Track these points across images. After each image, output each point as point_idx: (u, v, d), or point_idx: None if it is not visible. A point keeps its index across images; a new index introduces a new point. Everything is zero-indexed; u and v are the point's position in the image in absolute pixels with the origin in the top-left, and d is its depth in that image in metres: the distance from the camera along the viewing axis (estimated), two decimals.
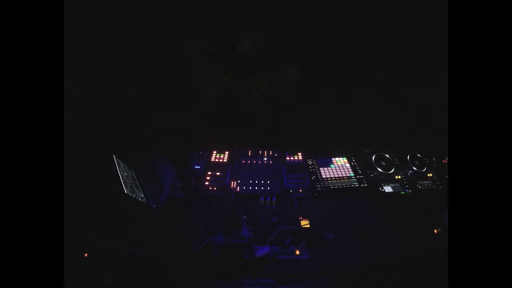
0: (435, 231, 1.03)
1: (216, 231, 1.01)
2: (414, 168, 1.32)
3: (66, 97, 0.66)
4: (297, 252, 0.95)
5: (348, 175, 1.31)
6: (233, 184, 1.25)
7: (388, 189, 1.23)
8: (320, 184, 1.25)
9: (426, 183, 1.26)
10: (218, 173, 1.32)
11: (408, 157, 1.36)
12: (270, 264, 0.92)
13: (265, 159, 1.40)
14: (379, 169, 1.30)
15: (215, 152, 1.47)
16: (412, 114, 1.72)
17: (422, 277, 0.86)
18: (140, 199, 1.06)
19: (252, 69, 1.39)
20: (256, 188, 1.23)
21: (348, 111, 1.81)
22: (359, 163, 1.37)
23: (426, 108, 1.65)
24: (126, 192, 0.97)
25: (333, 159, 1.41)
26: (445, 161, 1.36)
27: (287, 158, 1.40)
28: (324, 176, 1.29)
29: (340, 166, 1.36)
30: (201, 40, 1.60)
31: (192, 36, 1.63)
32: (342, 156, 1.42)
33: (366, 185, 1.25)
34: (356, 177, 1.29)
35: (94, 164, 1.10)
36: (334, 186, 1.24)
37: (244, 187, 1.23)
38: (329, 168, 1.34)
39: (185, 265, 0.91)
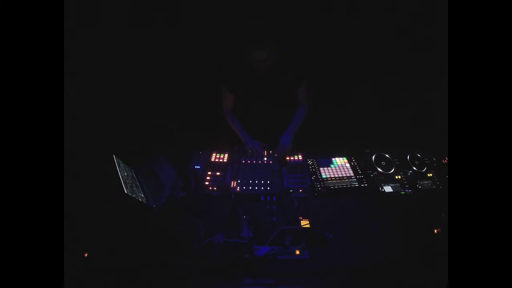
0: (435, 231, 1.03)
1: (216, 231, 1.01)
2: (414, 168, 1.32)
3: (66, 96, 0.66)
4: (297, 252, 0.95)
5: (348, 175, 1.31)
6: (233, 184, 1.25)
7: (388, 189, 1.23)
8: (320, 184, 1.25)
9: (426, 183, 1.26)
10: (218, 173, 1.32)
11: (408, 157, 1.36)
12: (270, 264, 0.92)
13: (265, 159, 1.40)
14: (379, 169, 1.30)
15: (215, 152, 1.47)
16: (412, 114, 1.73)
17: (422, 277, 0.87)
18: (140, 199, 1.06)
19: None
20: (256, 188, 1.23)
21: (348, 111, 1.82)
22: (359, 163, 1.37)
23: (426, 108, 1.66)
24: (126, 192, 0.97)
25: (333, 159, 1.40)
26: (445, 161, 1.36)
27: (287, 158, 1.40)
28: (324, 176, 1.29)
29: (340, 166, 1.36)
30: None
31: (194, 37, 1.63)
32: (342, 156, 1.42)
33: (366, 185, 1.25)
34: (356, 177, 1.29)
35: (94, 164, 1.10)
36: (334, 186, 1.24)
37: (244, 187, 1.23)
38: (329, 168, 1.34)
39: (185, 265, 0.91)
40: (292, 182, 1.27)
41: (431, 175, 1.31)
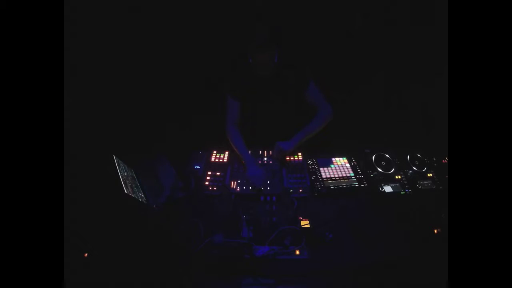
0: (435, 231, 1.03)
1: (216, 231, 1.01)
2: (414, 168, 1.32)
3: (66, 96, 0.66)
4: (297, 252, 0.95)
5: (348, 175, 1.31)
6: (233, 184, 1.25)
7: (388, 189, 1.23)
8: (320, 184, 1.25)
9: (426, 183, 1.26)
10: (218, 173, 1.32)
11: (408, 157, 1.36)
12: (270, 264, 0.92)
13: (265, 159, 1.40)
14: (379, 169, 1.30)
15: (215, 152, 1.47)
16: (412, 114, 1.73)
17: (422, 277, 0.86)
18: (140, 199, 1.06)
19: None
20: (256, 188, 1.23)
21: (348, 111, 1.82)
22: (359, 163, 1.37)
23: (426, 108, 1.66)
24: (126, 192, 0.97)
25: (333, 159, 1.40)
26: (445, 161, 1.36)
27: (287, 158, 1.40)
28: (324, 176, 1.29)
29: (340, 166, 1.36)
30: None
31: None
32: (342, 156, 1.42)
33: (366, 185, 1.25)
34: (356, 177, 1.29)
35: (94, 164, 1.10)
36: (334, 186, 1.24)
37: (244, 187, 1.23)
38: (329, 168, 1.34)
39: (185, 265, 0.91)
40: (292, 182, 1.26)
41: (431, 175, 1.31)
